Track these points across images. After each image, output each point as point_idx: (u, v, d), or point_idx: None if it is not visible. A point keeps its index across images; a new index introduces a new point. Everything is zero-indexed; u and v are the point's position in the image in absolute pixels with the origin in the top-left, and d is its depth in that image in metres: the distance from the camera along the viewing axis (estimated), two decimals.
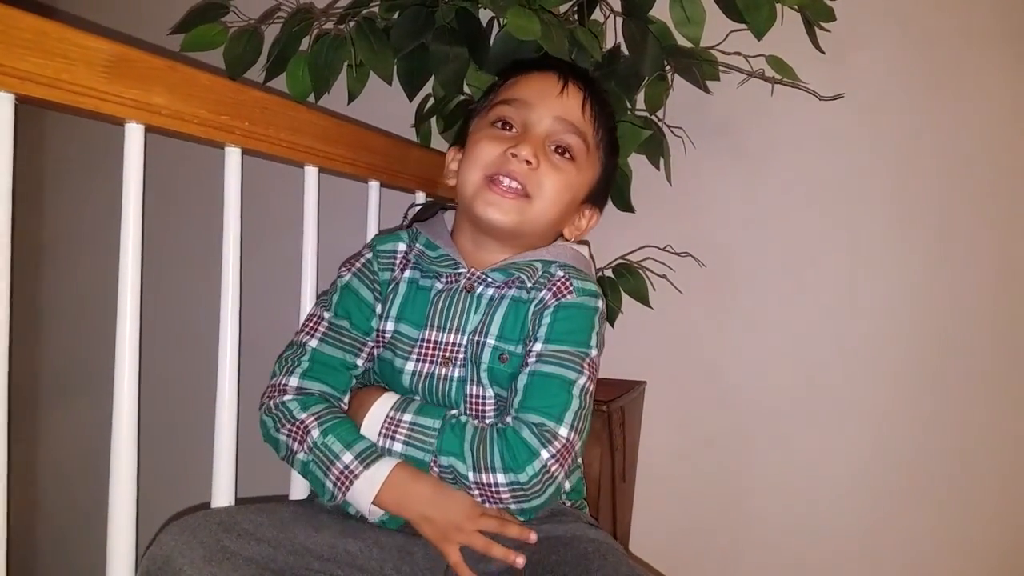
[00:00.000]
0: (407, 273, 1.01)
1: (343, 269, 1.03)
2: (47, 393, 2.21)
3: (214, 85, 0.87)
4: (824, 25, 1.21)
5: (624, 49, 1.22)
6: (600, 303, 0.98)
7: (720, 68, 1.26)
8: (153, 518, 1.00)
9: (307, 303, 1.09)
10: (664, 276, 1.44)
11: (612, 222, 1.30)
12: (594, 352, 0.95)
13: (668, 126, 1.36)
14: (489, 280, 0.97)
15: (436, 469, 0.87)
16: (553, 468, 0.85)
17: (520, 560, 0.86)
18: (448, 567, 0.88)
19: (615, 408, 1.28)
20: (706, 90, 1.21)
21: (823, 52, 1.22)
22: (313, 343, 0.96)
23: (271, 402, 0.93)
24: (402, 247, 1.03)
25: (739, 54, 1.28)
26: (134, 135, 0.80)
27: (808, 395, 1.46)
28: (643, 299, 1.38)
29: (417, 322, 0.98)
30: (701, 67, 1.16)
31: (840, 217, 1.43)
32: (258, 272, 1.59)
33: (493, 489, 0.85)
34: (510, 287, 0.97)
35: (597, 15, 1.28)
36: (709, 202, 1.50)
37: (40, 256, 2.24)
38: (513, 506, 0.87)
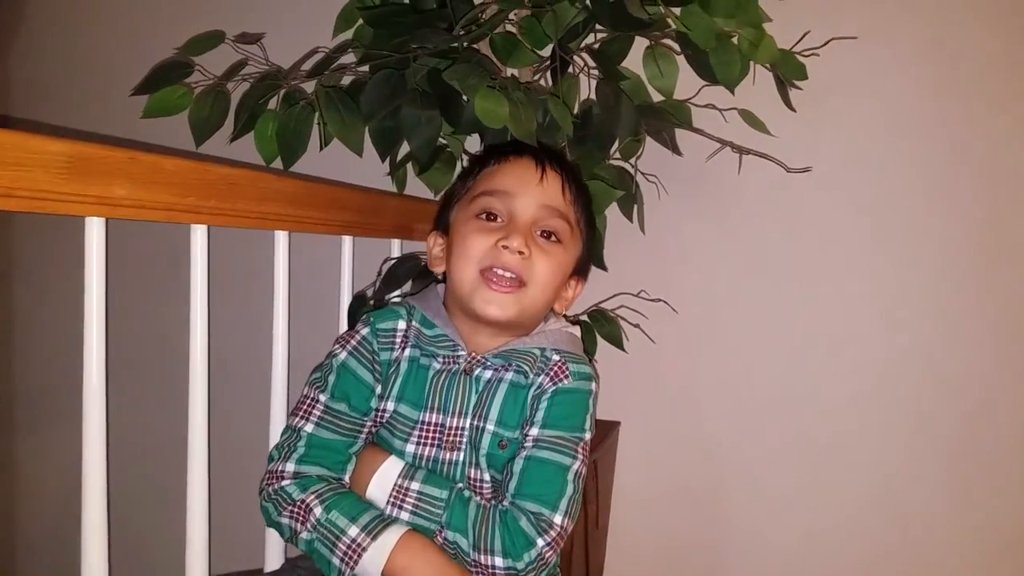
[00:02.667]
0: (407, 352, 1.00)
1: (336, 346, 1.01)
2: (23, 420, 2.19)
3: (179, 169, 0.86)
4: (796, 83, 1.21)
5: (597, 106, 1.21)
6: (594, 385, 1.00)
7: (693, 130, 1.25)
8: None
9: (280, 365, 1.09)
10: (637, 325, 1.45)
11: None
12: (587, 435, 0.98)
13: (642, 173, 1.36)
14: (488, 364, 0.98)
15: (440, 540, 0.89)
16: (547, 555, 0.89)
17: None
18: None
19: (591, 460, 1.28)
20: (677, 152, 1.21)
21: (794, 110, 1.22)
22: (309, 428, 0.94)
23: (269, 488, 0.92)
24: (401, 325, 1.01)
25: (712, 107, 1.28)
26: (95, 229, 0.79)
27: (781, 440, 1.47)
28: (617, 343, 1.38)
29: (416, 402, 0.97)
30: (671, 130, 1.16)
31: (813, 264, 1.44)
32: (231, 327, 1.59)
33: (490, 571, 0.87)
34: (507, 370, 0.98)
35: (571, 68, 1.27)
36: (682, 249, 1.51)
37: (12, 277, 2.21)
38: None
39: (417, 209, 1.35)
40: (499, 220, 0.97)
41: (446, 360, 0.98)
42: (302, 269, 1.28)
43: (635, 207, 1.31)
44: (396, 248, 1.33)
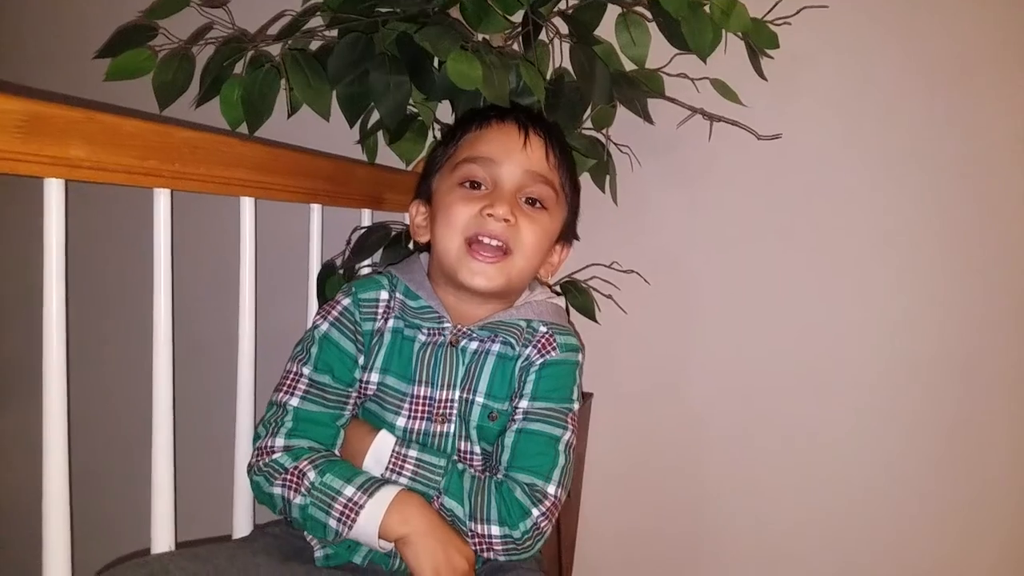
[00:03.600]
0: (391, 323, 1.00)
1: (318, 318, 1.00)
2: None
3: (139, 131, 0.84)
4: (768, 52, 1.20)
5: (571, 72, 1.20)
6: (580, 356, 1.02)
7: (665, 98, 1.25)
8: (95, 561, 1.00)
9: (247, 335, 1.08)
10: (610, 296, 1.45)
11: None
12: (576, 406, 0.99)
13: (615, 143, 1.36)
14: (474, 335, 0.98)
15: (437, 505, 0.90)
16: (543, 525, 0.90)
17: None
18: None
19: None
20: (649, 120, 1.21)
21: (766, 79, 1.22)
22: (295, 402, 0.94)
23: (259, 463, 0.91)
24: (384, 295, 1.01)
25: (684, 76, 1.27)
26: (54, 190, 0.78)
27: (754, 411, 1.48)
28: (590, 315, 1.39)
29: (403, 375, 0.97)
30: (644, 98, 1.15)
31: (785, 234, 1.45)
32: (195, 299, 1.57)
33: (487, 540, 0.89)
34: (494, 342, 0.98)
35: (543, 35, 1.26)
36: (655, 220, 1.51)
37: None
38: (502, 558, 0.91)
39: (388, 179, 1.34)
40: (483, 188, 0.97)
41: (431, 332, 0.98)
42: (271, 238, 1.27)
43: (607, 177, 1.31)
44: (366, 218, 1.32)
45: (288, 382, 0.96)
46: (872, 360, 1.42)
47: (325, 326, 0.98)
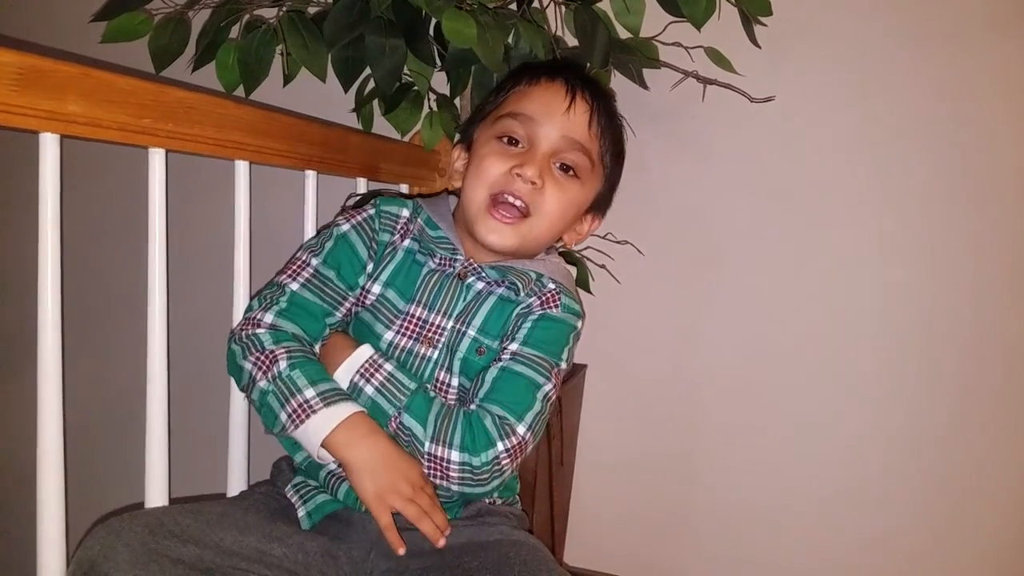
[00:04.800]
0: (407, 242, 1.02)
1: (341, 218, 1.02)
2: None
3: (134, 88, 0.84)
4: (762, 19, 1.21)
5: (566, 39, 1.21)
6: (579, 324, 1.02)
7: (658, 64, 1.25)
8: (89, 514, 1.01)
9: (241, 294, 1.08)
10: (603, 266, 1.46)
11: None
12: (563, 365, 0.99)
13: None
14: (483, 274, 0.99)
15: (394, 426, 0.89)
16: (504, 461, 0.89)
17: (442, 542, 0.87)
18: (372, 571, 0.90)
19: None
20: (644, 86, 1.21)
21: (759, 46, 1.22)
22: (294, 286, 0.95)
23: (242, 332, 0.92)
24: (405, 213, 1.03)
25: (678, 45, 1.28)
26: (49, 145, 0.79)
27: (747, 383, 1.49)
28: (584, 286, 1.40)
29: (405, 294, 0.99)
30: (638, 63, 1.15)
31: (779, 207, 1.45)
32: (193, 259, 1.58)
33: (444, 464, 0.88)
34: (500, 285, 0.99)
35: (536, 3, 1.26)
36: (650, 191, 1.51)
37: None
38: (455, 487, 0.90)
39: (383, 148, 1.34)
40: (520, 145, 0.97)
41: (442, 261, 1.00)
42: (267, 205, 1.28)
43: None
44: (362, 187, 1.33)
45: (294, 267, 0.97)
46: (886, 332, 1.42)
47: (346, 227, 1.00)
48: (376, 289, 0.99)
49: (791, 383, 1.47)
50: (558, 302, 1.00)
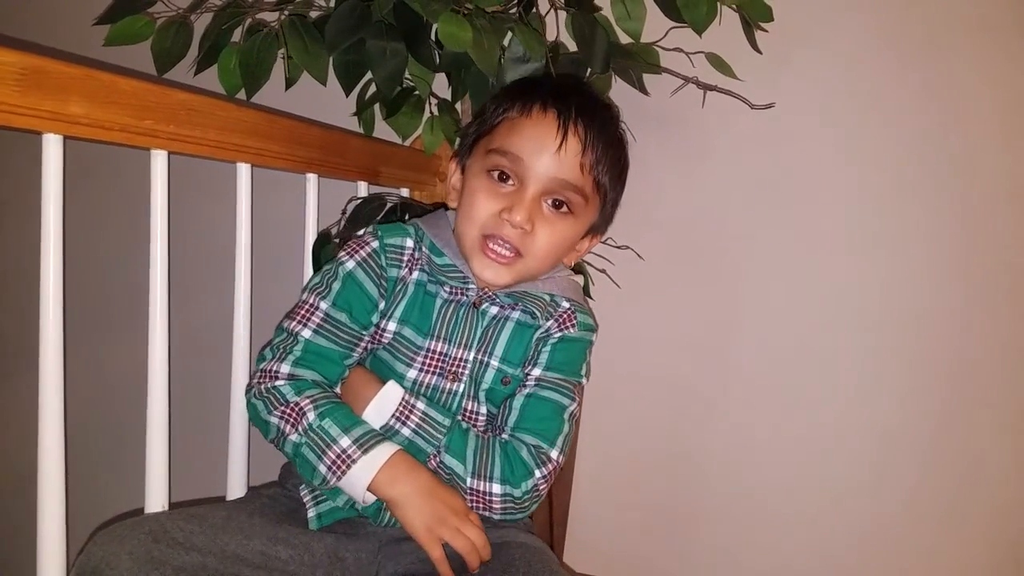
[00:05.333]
0: (416, 275, 1.00)
1: (344, 255, 0.99)
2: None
3: (136, 90, 0.85)
4: (763, 25, 1.21)
5: (566, 44, 1.21)
6: (595, 336, 1.05)
7: (659, 69, 1.26)
8: (89, 520, 1.01)
9: (243, 298, 1.08)
10: (604, 271, 1.46)
11: None
12: (584, 381, 1.02)
13: None
14: (497, 300, 0.99)
15: (434, 464, 0.91)
16: (542, 487, 0.92)
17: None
18: (379, 574, 0.90)
19: None
20: (644, 92, 1.21)
21: (760, 52, 1.22)
22: (307, 333, 0.93)
23: (261, 386, 0.91)
24: (410, 243, 1.00)
25: (679, 50, 1.28)
26: (52, 146, 0.79)
27: (748, 386, 1.49)
28: (584, 291, 1.39)
29: (421, 328, 0.98)
30: (639, 68, 1.16)
31: (779, 214, 1.46)
32: (195, 264, 1.58)
33: (487, 498, 0.90)
34: (515, 309, 1.00)
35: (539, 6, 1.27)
36: (650, 195, 1.51)
37: None
38: (498, 516, 0.92)
39: (384, 152, 1.35)
40: (510, 182, 0.96)
41: (454, 291, 0.99)
42: (268, 208, 1.28)
43: None
44: (363, 191, 1.33)
45: (303, 312, 0.95)
46: (872, 334, 1.42)
47: (351, 264, 0.97)
48: (391, 327, 0.98)
49: (793, 386, 1.47)
50: (574, 321, 1.01)
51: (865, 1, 1.39)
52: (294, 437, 0.87)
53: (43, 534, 0.82)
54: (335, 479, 0.86)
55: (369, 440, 0.87)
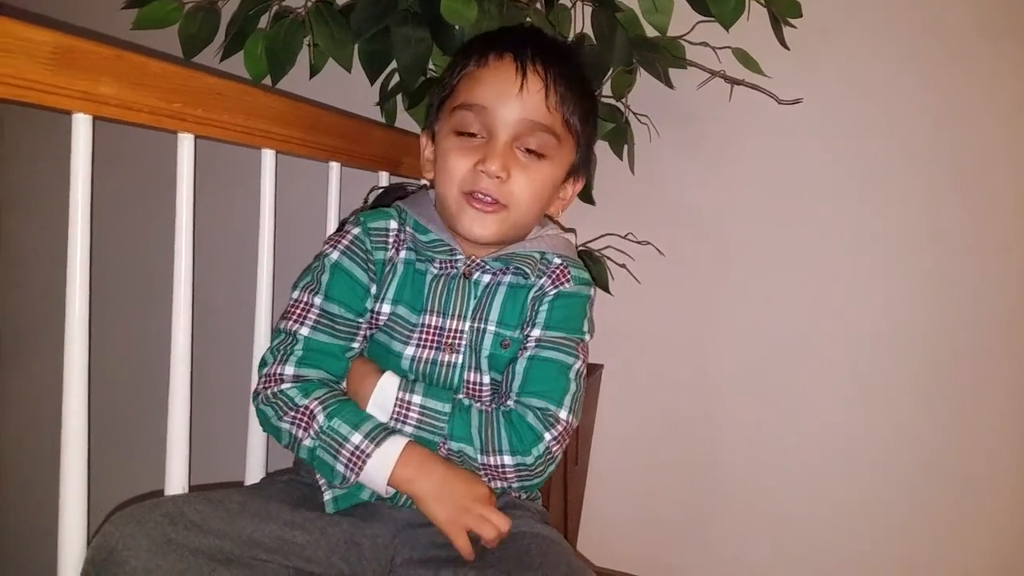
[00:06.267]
0: (403, 254, 0.99)
1: (327, 247, 0.99)
2: (8, 349, 2.19)
3: (165, 72, 0.85)
4: (791, 21, 1.20)
5: (591, 36, 1.20)
6: (592, 291, 1.02)
7: (685, 63, 1.25)
8: (107, 501, 1.01)
9: (265, 284, 1.09)
10: (624, 265, 1.45)
11: (575, 209, 1.30)
12: (587, 337, 1.00)
13: (634, 113, 1.36)
14: (487, 267, 0.98)
15: (444, 452, 0.90)
16: (555, 449, 0.91)
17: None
18: (395, 558, 0.90)
19: None
20: (669, 85, 1.21)
21: (788, 48, 1.22)
22: (304, 331, 0.93)
23: (267, 392, 0.90)
24: (393, 225, 1.00)
25: (706, 45, 1.27)
26: (82, 126, 0.79)
27: (766, 384, 1.49)
28: (603, 286, 1.39)
29: (415, 306, 0.97)
30: (664, 61, 1.15)
31: (801, 211, 1.45)
32: (216, 251, 1.58)
33: (500, 470, 0.89)
34: (506, 273, 0.99)
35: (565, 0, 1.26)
36: (672, 191, 1.51)
37: None
38: (515, 484, 0.91)
39: (405, 142, 1.34)
40: (479, 137, 0.95)
41: (443, 264, 0.98)
42: (291, 197, 1.28)
43: (625, 146, 1.31)
44: (384, 180, 1.33)
45: (298, 311, 0.94)
46: (892, 333, 1.41)
47: (336, 255, 0.97)
48: (386, 308, 0.98)
49: (810, 385, 1.46)
50: (568, 276, 0.99)
51: None
52: (308, 442, 0.88)
53: (65, 513, 0.83)
54: (353, 475, 0.87)
55: (379, 434, 0.88)
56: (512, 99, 0.93)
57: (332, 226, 1.22)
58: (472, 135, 0.95)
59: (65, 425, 0.82)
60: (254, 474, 1.08)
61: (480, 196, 0.93)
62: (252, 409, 1.07)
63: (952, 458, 1.39)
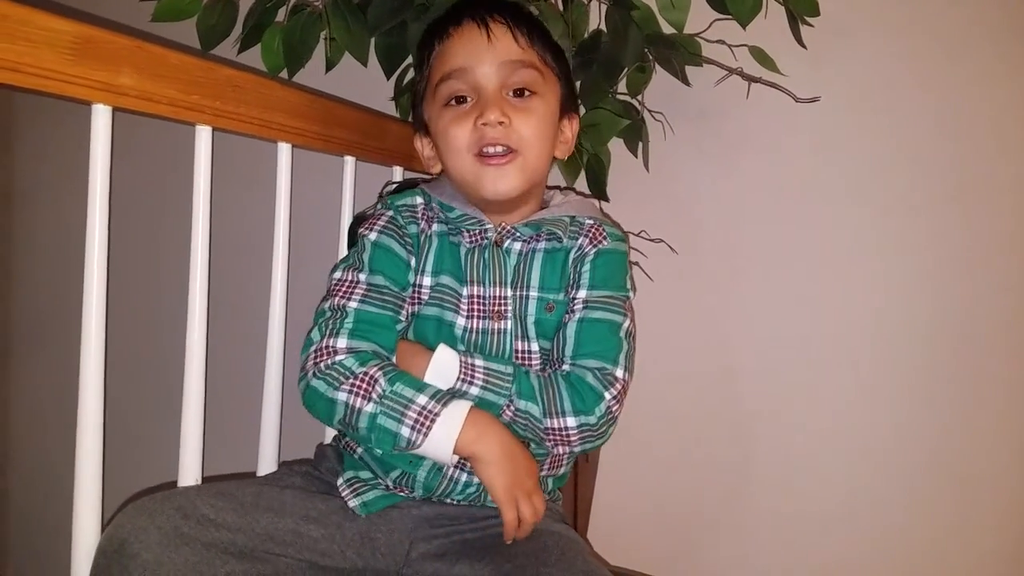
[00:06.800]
0: (435, 226, 1.01)
1: (365, 228, 1.00)
2: (21, 343, 2.20)
3: (184, 64, 0.85)
4: (808, 20, 1.20)
5: (606, 33, 1.20)
6: (627, 247, 1.05)
7: (701, 60, 1.25)
8: (122, 492, 1.01)
9: (279, 277, 1.09)
10: (636, 263, 1.45)
11: None
12: (632, 294, 1.02)
13: (649, 110, 1.36)
14: (518, 234, 0.99)
15: (509, 413, 0.90)
16: (615, 409, 0.92)
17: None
18: (410, 552, 0.90)
19: None
20: (686, 82, 1.20)
21: (805, 47, 1.21)
22: (353, 304, 0.92)
23: (320, 364, 0.88)
24: (419, 200, 1.02)
25: (722, 43, 1.27)
26: (101, 117, 0.79)
27: (777, 384, 1.48)
28: None
29: (457, 276, 0.98)
30: (681, 58, 1.15)
31: (817, 211, 1.44)
32: (231, 244, 1.59)
33: (564, 433, 0.90)
34: (538, 240, 0.99)
35: None
36: (686, 189, 1.50)
37: (11, 201, 2.20)
38: (578, 447, 0.92)
39: None
40: (469, 100, 0.96)
41: (474, 236, 0.99)
42: (306, 191, 1.28)
43: (640, 144, 1.30)
44: (398, 175, 1.33)
45: (344, 288, 0.94)
46: (910, 330, 1.39)
47: (374, 234, 0.99)
48: (427, 281, 0.98)
49: (826, 383, 1.45)
50: (604, 233, 1.01)
51: None
52: (369, 408, 0.85)
53: (79, 504, 0.83)
54: (421, 437, 0.84)
55: (445, 395, 0.87)
56: (485, 51, 0.95)
57: (347, 219, 1.22)
58: (461, 100, 0.96)
59: (81, 417, 0.83)
60: (267, 464, 1.08)
61: (491, 151, 0.94)
62: (264, 399, 1.07)
63: (955, 458, 1.38)
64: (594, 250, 0.99)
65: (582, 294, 0.97)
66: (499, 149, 0.94)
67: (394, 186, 1.26)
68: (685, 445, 1.54)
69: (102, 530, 0.83)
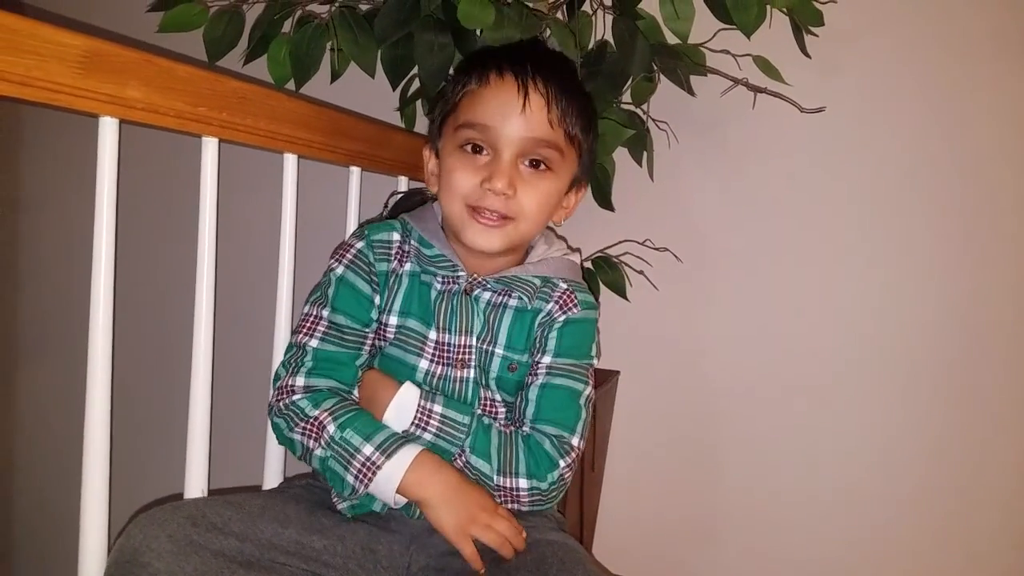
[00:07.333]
0: (408, 266, 1.00)
1: (333, 261, 1.01)
2: (27, 351, 2.20)
3: (192, 77, 0.85)
4: (813, 29, 1.20)
5: (612, 44, 1.20)
6: (597, 313, 1.04)
7: (706, 70, 1.25)
8: (128, 504, 1.02)
9: (285, 289, 1.09)
10: (641, 272, 1.45)
11: (593, 215, 1.30)
12: (595, 361, 1.03)
13: (653, 120, 1.36)
14: (488, 286, 0.99)
15: (460, 464, 0.91)
16: (567, 476, 0.94)
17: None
18: (411, 566, 0.90)
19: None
20: (690, 92, 1.20)
21: (809, 56, 1.21)
22: (314, 343, 0.95)
23: (280, 404, 0.93)
24: (396, 237, 1.01)
25: (727, 52, 1.27)
26: (108, 129, 0.79)
27: (782, 394, 1.48)
28: (620, 292, 1.39)
29: (424, 319, 0.98)
30: (686, 68, 1.15)
31: (821, 220, 1.44)
32: (236, 256, 1.59)
33: (515, 493, 0.91)
34: (509, 295, 1.00)
35: (587, 7, 1.26)
36: (691, 198, 1.50)
37: (17, 208, 2.21)
38: (526, 509, 0.93)
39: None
40: (484, 152, 0.96)
41: (445, 280, 0.99)
42: (311, 201, 1.28)
43: (645, 153, 1.31)
44: (403, 185, 1.33)
45: (307, 325, 0.97)
46: (908, 341, 1.40)
47: (340, 269, 0.99)
48: (393, 321, 0.99)
49: (828, 393, 1.45)
50: (575, 301, 1.01)
51: (920, 6, 1.37)
52: (319, 452, 0.89)
53: (86, 516, 0.83)
54: (363, 487, 0.87)
55: (391, 445, 0.88)
56: (515, 117, 0.93)
57: (351, 230, 1.22)
58: (477, 152, 0.96)
59: (88, 428, 0.82)
60: (272, 479, 1.08)
61: (486, 212, 0.94)
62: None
63: (956, 457, 1.38)
64: (563, 317, 0.99)
65: (547, 360, 0.98)
66: (494, 213, 0.94)
67: (400, 195, 1.26)
68: (692, 454, 1.54)
69: (108, 540, 0.83)
